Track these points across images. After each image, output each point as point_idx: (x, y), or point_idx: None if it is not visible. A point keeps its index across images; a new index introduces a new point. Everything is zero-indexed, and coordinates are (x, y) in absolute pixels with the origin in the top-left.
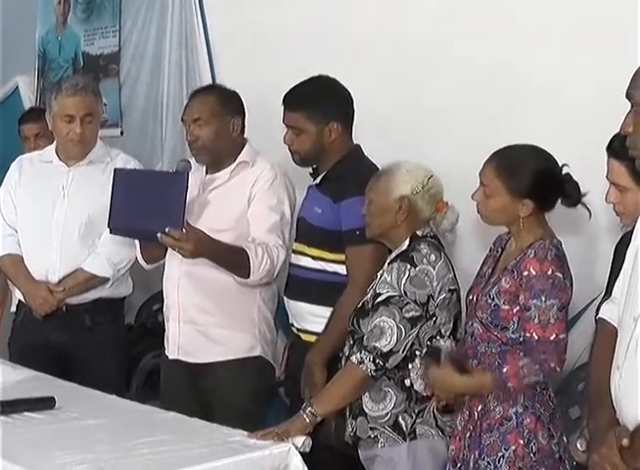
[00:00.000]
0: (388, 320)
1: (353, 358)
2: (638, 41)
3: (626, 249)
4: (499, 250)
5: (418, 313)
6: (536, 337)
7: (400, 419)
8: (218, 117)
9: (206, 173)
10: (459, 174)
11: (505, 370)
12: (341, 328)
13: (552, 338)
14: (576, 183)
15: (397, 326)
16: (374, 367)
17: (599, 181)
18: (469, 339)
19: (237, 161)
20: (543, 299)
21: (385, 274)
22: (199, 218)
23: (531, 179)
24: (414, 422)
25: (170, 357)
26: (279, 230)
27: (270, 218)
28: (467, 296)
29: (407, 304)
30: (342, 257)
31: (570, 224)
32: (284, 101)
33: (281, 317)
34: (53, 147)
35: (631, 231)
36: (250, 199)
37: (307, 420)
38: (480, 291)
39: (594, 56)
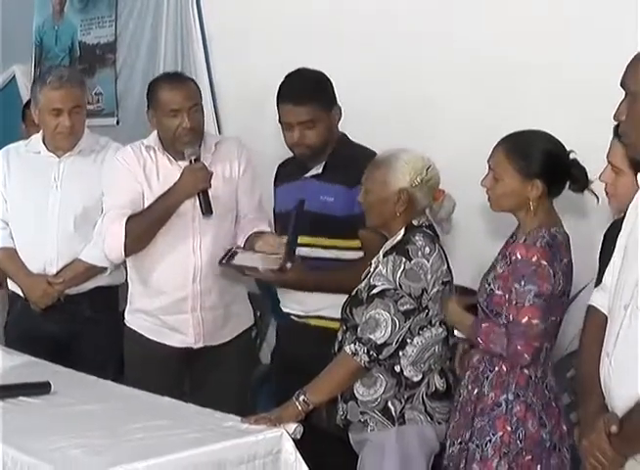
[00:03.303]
0: (383, 313)
1: (347, 349)
2: (637, 29)
3: (616, 236)
4: (514, 237)
5: (412, 307)
6: (511, 318)
7: (390, 404)
8: (201, 101)
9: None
10: (456, 164)
11: (483, 325)
12: (333, 279)
13: (523, 321)
14: (583, 168)
15: (392, 319)
16: (367, 359)
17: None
18: None
19: (210, 142)
20: (523, 283)
21: (380, 266)
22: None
23: (541, 159)
24: (403, 407)
25: (195, 347)
26: None
27: (256, 194)
28: (480, 281)
29: (402, 297)
30: (355, 243)
31: (575, 210)
32: (289, 99)
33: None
34: (39, 137)
35: (621, 219)
36: (239, 171)
37: (300, 408)
38: (484, 276)
39: (592, 45)
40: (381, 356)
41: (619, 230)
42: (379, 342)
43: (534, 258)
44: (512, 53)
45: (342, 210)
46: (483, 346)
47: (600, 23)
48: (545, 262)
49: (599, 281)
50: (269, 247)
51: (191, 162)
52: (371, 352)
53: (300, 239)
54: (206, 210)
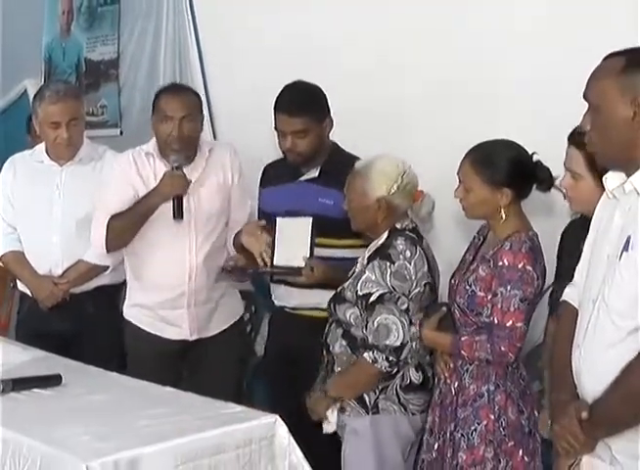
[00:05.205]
0: (389, 317)
1: (367, 356)
2: (602, 40)
3: (573, 235)
4: (481, 238)
5: (407, 305)
6: (496, 321)
7: (364, 394)
8: (200, 112)
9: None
10: (434, 167)
11: (463, 339)
12: None
13: (508, 324)
14: (547, 168)
15: (400, 320)
16: (387, 364)
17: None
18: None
19: (204, 148)
20: (508, 288)
21: (367, 272)
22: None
23: (506, 168)
24: (377, 398)
25: (191, 339)
26: None
27: (247, 205)
28: (450, 280)
29: (399, 298)
30: (350, 242)
31: (542, 209)
32: (285, 110)
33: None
34: (43, 147)
35: (578, 218)
36: (232, 179)
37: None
38: (460, 277)
39: (561, 61)
40: (401, 357)
41: (577, 228)
42: (396, 344)
43: (520, 265)
44: (483, 70)
45: (340, 212)
46: (469, 357)
47: (567, 40)
48: (530, 268)
49: (558, 276)
50: (254, 237)
51: (173, 168)
52: (390, 358)
53: None
54: (178, 214)
